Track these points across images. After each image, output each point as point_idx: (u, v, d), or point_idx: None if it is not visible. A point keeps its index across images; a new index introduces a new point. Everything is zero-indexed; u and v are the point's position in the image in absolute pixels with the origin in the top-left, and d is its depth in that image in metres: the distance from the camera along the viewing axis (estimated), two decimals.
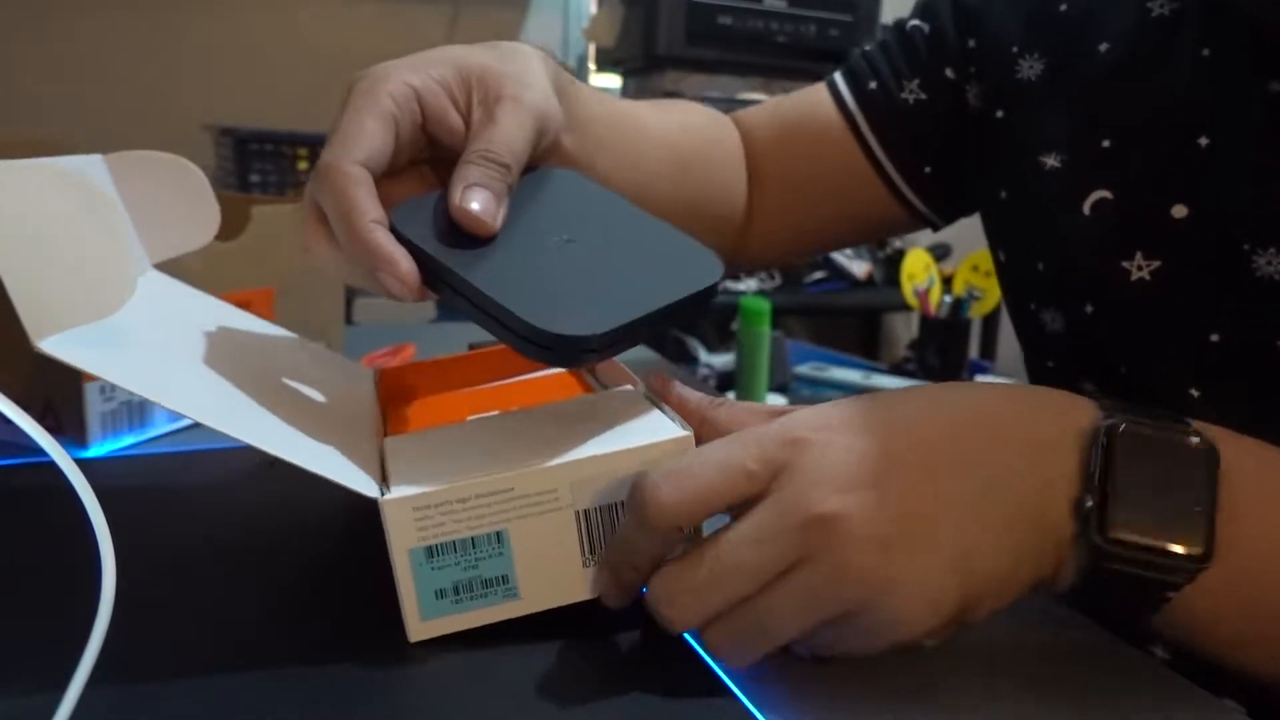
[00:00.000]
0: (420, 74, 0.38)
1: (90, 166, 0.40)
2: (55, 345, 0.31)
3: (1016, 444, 0.33)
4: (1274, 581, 0.32)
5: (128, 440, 0.54)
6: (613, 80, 2.05)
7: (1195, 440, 0.32)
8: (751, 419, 0.35)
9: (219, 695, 0.31)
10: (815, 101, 0.63)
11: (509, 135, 0.38)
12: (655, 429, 0.35)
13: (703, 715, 0.31)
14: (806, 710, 0.32)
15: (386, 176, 0.38)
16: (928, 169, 0.61)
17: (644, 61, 1.78)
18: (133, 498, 0.46)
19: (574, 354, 0.34)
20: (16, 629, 0.34)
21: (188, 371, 0.36)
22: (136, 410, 0.54)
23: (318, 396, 0.42)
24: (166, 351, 0.37)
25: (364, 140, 0.36)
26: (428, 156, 0.41)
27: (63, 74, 1.71)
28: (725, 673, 0.33)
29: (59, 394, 0.51)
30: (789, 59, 1.81)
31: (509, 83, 0.39)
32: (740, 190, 0.64)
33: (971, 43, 0.58)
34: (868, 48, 0.64)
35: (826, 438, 0.31)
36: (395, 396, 0.48)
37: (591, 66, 2.07)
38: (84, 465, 0.27)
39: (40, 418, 0.51)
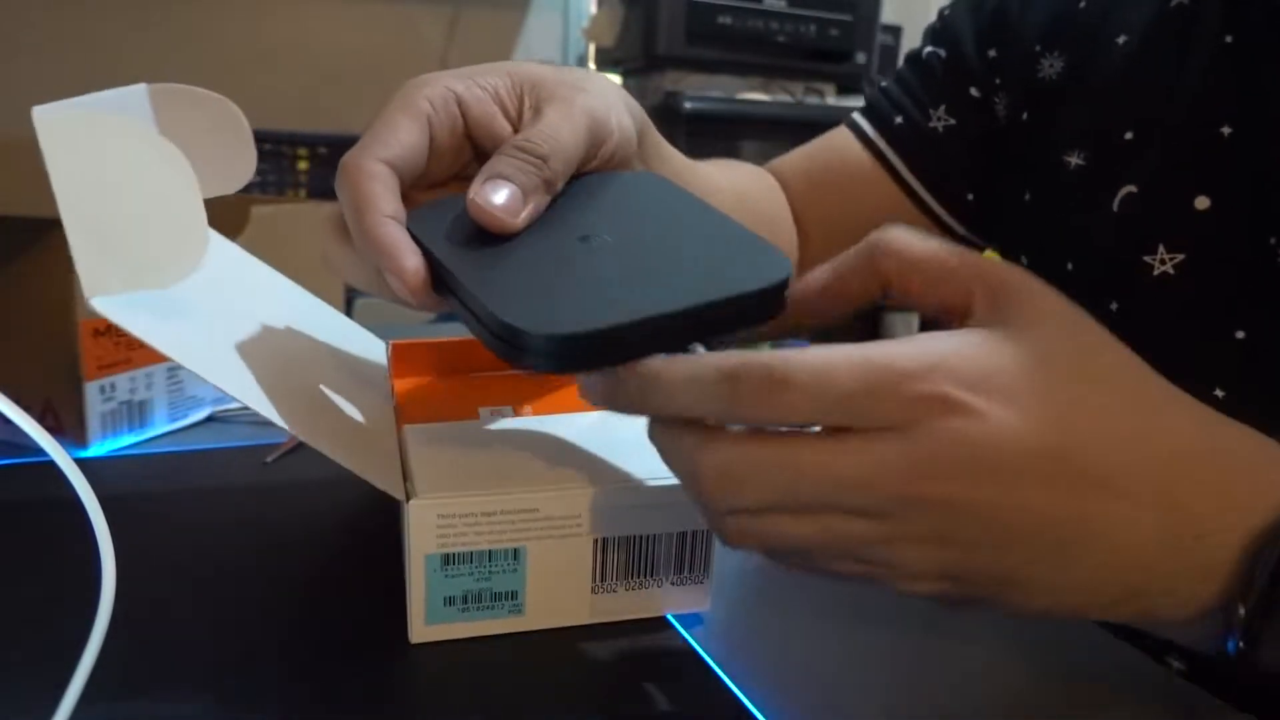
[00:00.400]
0: (465, 80, 0.36)
1: (133, 97, 0.39)
2: (107, 305, 0.30)
3: (1162, 508, 0.27)
4: None
5: (128, 440, 0.54)
6: (613, 80, 2.05)
7: None
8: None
9: (218, 695, 0.31)
10: (841, 146, 0.62)
11: (553, 128, 0.34)
12: None
13: (703, 715, 0.31)
14: (806, 710, 0.32)
15: (425, 188, 0.36)
16: (970, 196, 0.60)
17: (644, 61, 1.78)
18: (133, 498, 0.46)
19: (550, 356, 0.28)
20: (16, 629, 0.34)
21: (233, 347, 0.35)
22: (136, 410, 0.54)
23: (351, 382, 0.42)
24: (216, 323, 0.36)
25: (392, 139, 0.34)
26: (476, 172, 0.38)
27: (63, 75, 1.71)
28: (725, 673, 0.33)
29: (59, 394, 0.51)
30: (789, 59, 1.81)
31: (563, 86, 0.36)
32: (794, 244, 0.63)
33: (992, 53, 0.57)
34: (884, 84, 0.63)
35: (982, 408, 0.26)
36: (404, 371, 0.49)
37: (591, 66, 2.07)
38: (84, 465, 0.26)
39: (40, 418, 0.51)
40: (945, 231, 0.61)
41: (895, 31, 2.04)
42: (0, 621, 0.34)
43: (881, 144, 0.61)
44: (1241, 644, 0.27)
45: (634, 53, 1.80)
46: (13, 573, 0.38)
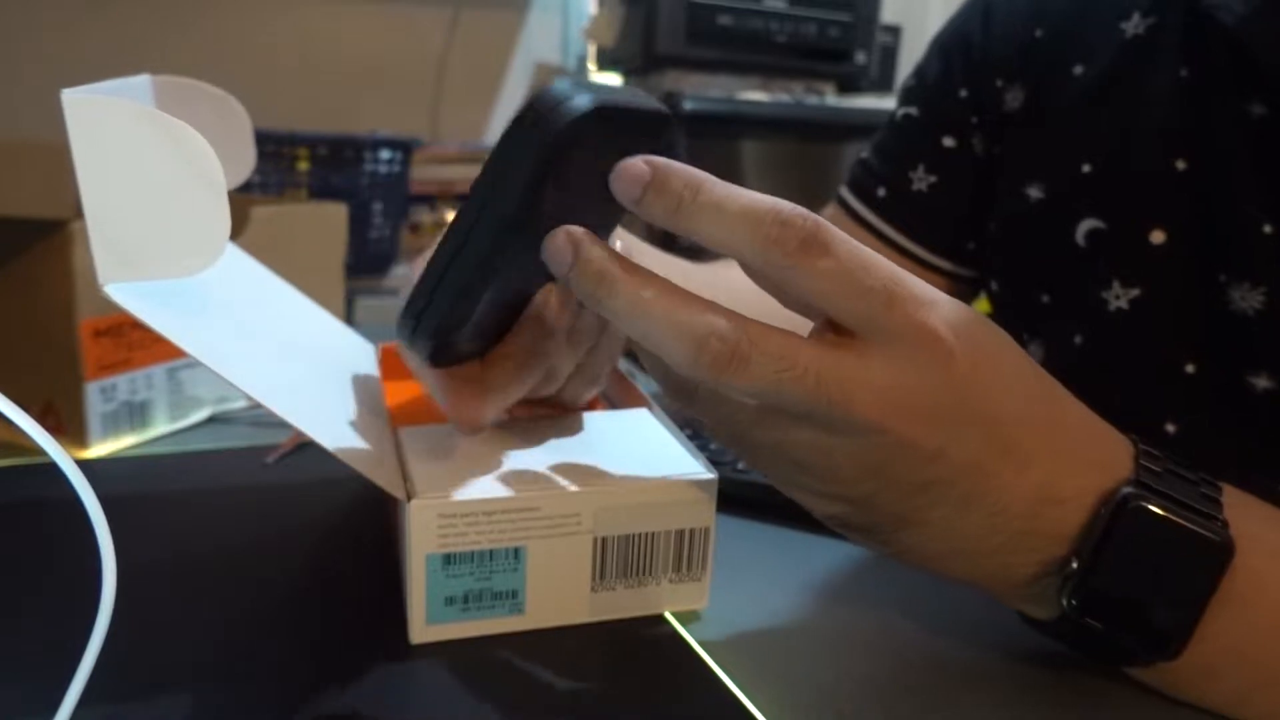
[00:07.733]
0: None
1: (136, 87, 0.39)
2: (120, 293, 0.30)
3: (1040, 476, 0.30)
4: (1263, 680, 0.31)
5: (128, 440, 0.54)
6: (613, 80, 2.05)
7: (1211, 535, 0.30)
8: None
9: (218, 695, 0.31)
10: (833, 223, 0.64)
11: None
12: (679, 463, 0.36)
13: (703, 715, 0.31)
14: (806, 710, 0.32)
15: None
16: (971, 245, 0.60)
17: (644, 61, 1.78)
18: (133, 498, 0.46)
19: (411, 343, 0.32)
20: (17, 630, 0.34)
21: (241, 343, 0.36)
22: (137, 410, 0.54)
23: (350, 382, 0.42)
24: (224, 318, 0.36)
25: None
26: None
27: (62, 77, 1.71)
28: (725, 672, 0.33)
29: (59, 394, 0.51)
30: (789, 59, 1.81)
31: None
32: None
33: (964, 93, 0.58)
34: (864, 155, 0.64)
35: (961, 362, 0.29)
36: (394, 374, 0.49)
37: (591, 66, 2.07)
38: (84, 466, 0.26)
39: (40, 418, 0.51)
40: (962, 282, 0.61)
41: (895, 31, 2.04)
42: (1, 622, 0.34)
43: (872, 218, 0.61)
44: (1071, 601, 0.30)
45: (634, 53, 1.80)
46: (13, 573, 0.38)
